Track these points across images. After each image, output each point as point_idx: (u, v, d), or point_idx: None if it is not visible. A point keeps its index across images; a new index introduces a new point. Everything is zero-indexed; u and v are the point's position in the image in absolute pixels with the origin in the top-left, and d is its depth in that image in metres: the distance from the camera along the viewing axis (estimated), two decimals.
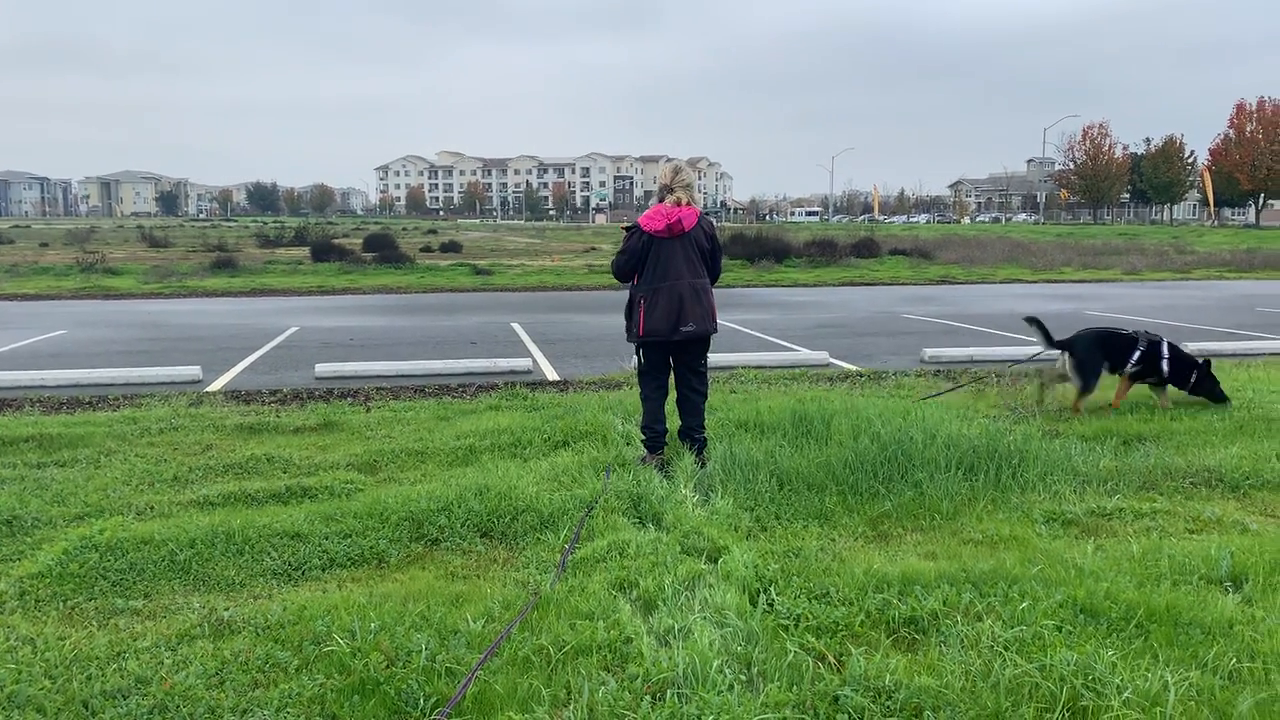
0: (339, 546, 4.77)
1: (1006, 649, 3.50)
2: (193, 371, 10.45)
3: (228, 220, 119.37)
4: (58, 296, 22.04)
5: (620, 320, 6.74)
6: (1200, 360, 8.09)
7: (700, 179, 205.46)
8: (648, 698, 3.21)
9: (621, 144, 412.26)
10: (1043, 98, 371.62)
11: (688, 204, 6.32)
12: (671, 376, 6.58)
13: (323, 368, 10.67)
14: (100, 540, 4.76)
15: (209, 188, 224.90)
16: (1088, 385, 7.98)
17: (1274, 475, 5.92)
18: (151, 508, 5.51)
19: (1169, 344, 8.06)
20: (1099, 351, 8.08)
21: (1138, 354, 7.97)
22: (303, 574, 4.53)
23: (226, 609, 4.05)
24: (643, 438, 6.54)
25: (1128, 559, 4.46)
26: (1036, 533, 4.96)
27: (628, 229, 6.43)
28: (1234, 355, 11.62)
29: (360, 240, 39.19)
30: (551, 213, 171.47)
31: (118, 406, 8.67)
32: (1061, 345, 8.21)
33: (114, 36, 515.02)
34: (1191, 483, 5.86)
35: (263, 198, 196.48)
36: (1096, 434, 6.99)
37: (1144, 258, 32.59)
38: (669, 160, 7.19)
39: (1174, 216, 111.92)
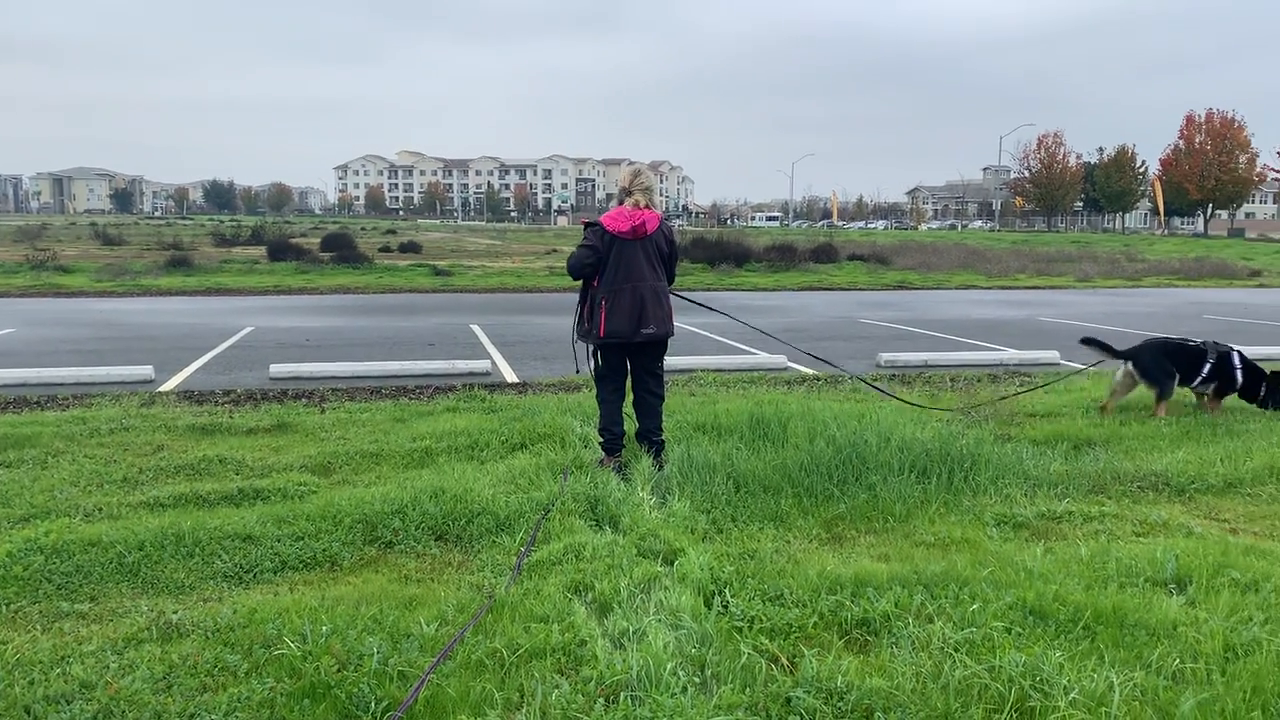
0: (291, 549, 4.72)
1: (957, 650, 3.54)
2: (145, 371, 10.29)
3: (183, 218, 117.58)
4: (7, 294, 21.60)
5: None
6: (1271, 372, 7.99)
7: (662, 183, 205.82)
8: (601, 700, 3.21)
9: (584, 146, 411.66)
10: (999, 107, 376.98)
11: (646, 207, 6.35)
12: (629, 380, 6.59)
13: (278, 368, 10.55)
14: (46, 542, 4.67)
15: (165, 185, 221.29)
16: (1164, 390, 7.94)
17: (1218, 479, 6.05)
18: (100, 509, 5.41)
19: (1239, 354, 7.98)
20: (1166, 360, 8.01)
21: (1208, 366, 7.89)
22: (254, 577, 4.48)
23: (175, 612, 3.99)
24: (600, 440, 6.54)
25: (1076, 561, 4.53)
26: (987, 535, 5.02)
27: (588, 224, 6.43)
28: None
29: (318, 240, 38.82)
30: (513, 214, 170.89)
31: (67, 406, 8.51)
32: (1126, 355, 8.14)
33: (68, 31, 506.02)
34: (1139, 487, 5.97)
35: (219, 196, 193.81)
36: (1047, 438, 7.10)
37: (1096, 265, 33.13)
38: (630, 164, 7.22)
39: (1126, 225, 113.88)
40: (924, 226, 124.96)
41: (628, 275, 6.21)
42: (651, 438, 6.49)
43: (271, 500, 5.58)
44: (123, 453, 6.76)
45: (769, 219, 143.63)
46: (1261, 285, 28.13)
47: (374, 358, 11.67)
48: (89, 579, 4.38)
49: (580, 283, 6.47)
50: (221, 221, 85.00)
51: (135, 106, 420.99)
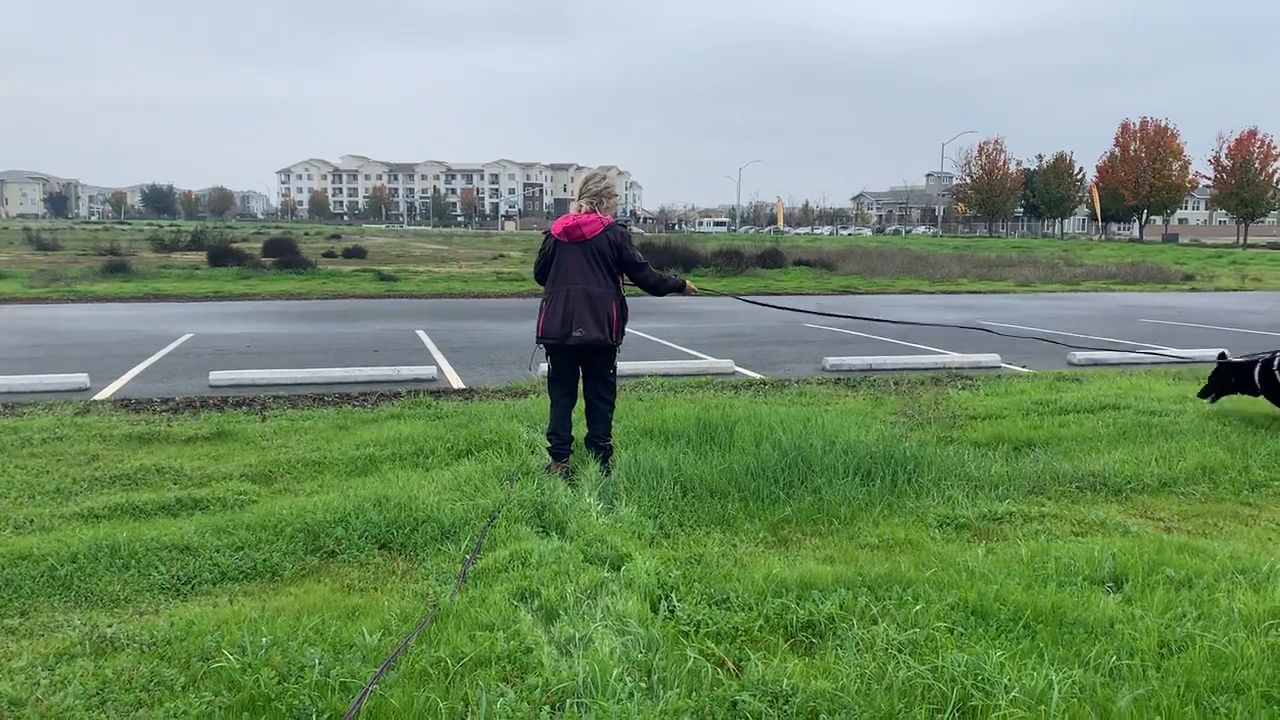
0: (231, 559, 4.63)
1: (900, 651, 3.58)
2: (79, 379, 10.04)
3: (121, 223, 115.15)
4: None
5: (528, 327, 6.76)
6: None
7: None
8: (547, 708, 3.20)
9: (531, 151, 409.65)
10: (942, 113, 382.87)
11: (588, 212, 6.35)
12: (579, 386, 6.58)
13: (218, 375, 10.36)
14: None
15: (101, 189, 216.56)
16: None
17: (1153, 479, 6.19)
18: (31, 521, 5.27)
19: None
20: None
21: None
22: (192, 588, 4.39)
23: (110, 626, 3.89)
24: (548, 445, 6.52)
25: (1017, 561, 4.60)
26: (930, 536, 5.08)
27: (546, 234, 6.54)
28: (1118, 364, 12.11)
29: (260, 245, 38.32)
30: (460, 219, 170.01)
31: None
32: None
33: None
34: (1078, 487, 6.08)
35: (158, 200, 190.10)
36: (989, 440, 7.20)
37: (1036, 270, 33.75)
38: (580, 168, 7.30)
39: (1064, 230, 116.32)
40: (866, 231, 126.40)
41: (563, 278, 6.25)
42: (598, 443, 6.47)
43: (210, 510, 5.48)
44: (55, 463, 6.59)
45: (717, 224, 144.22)
46: (1194, 289, 28.86)
47: (317, 364, 11.51)
48: (19, 593, 4.26)
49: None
50: (161, 226, 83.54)
51: (70, 109, 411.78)
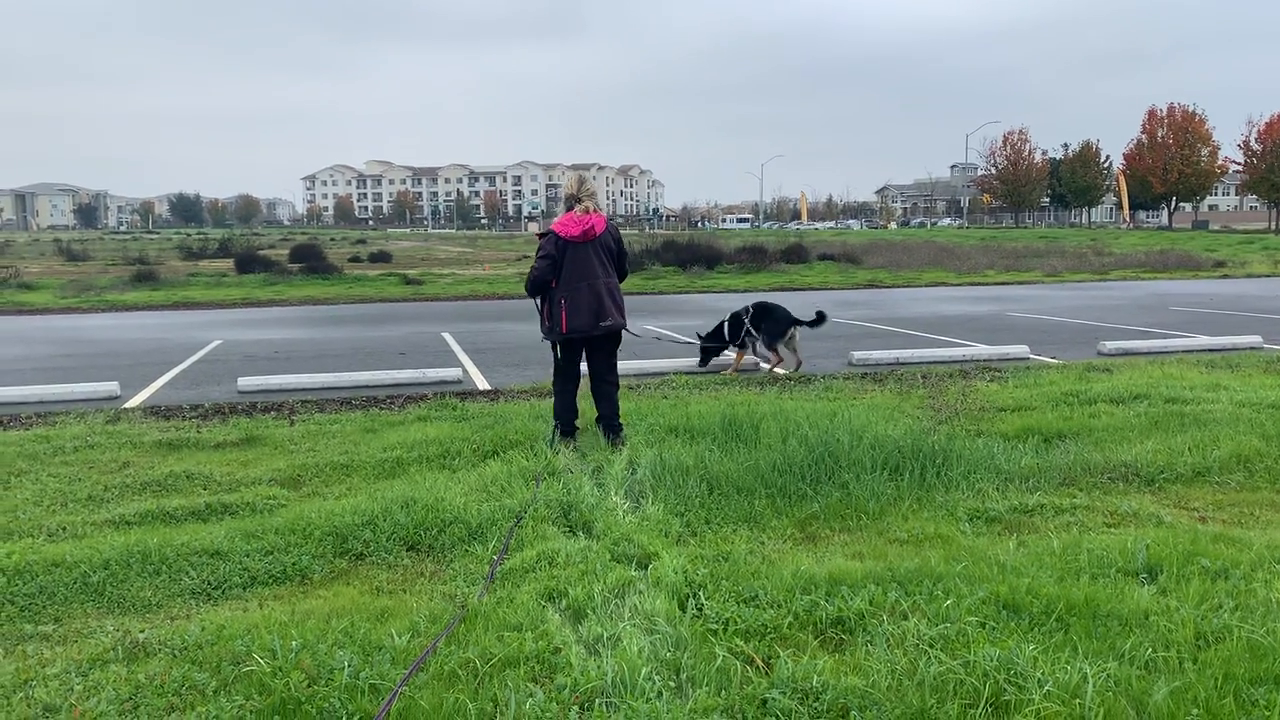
0: (260, 564, 4.66)
1: (931, 646, 3.54)
2: (110, 388, 10.15)
3: (149, 232, 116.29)
4: None
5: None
6: None
7: (632, 186, 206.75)
8: (576, 708, 3.19)
9: (553, 152, 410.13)
10: (965, 104, 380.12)
11: (594, 211, 6.92)
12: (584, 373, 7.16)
13: (246, 381, 10.44)
14: (8, 564, 4.59)
15: (130, 199, 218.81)
16: None
17: (1186, 469, 6.10)
18: (64, 529, 5.33)
19: None
20: None
21: None
22: (222, 593, 4.42)
23: (141, 631, 3.92)
24: (558, 425, 7.07)
25: (1049, 554, 4.55)
26: (960, 530, 5.03)
27: (542, 235, 6.99)
28: (1149, 353, 11.96)
29: (286, 251, 38.64)
30: (484, 221, 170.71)
31: (30, 425, 8.38)
32: None
33: (23, 44, 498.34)
34: (1109, 478, 6.01)
35: (186, 209, 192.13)
36: (1018, 432, 7.13)
37: (1064, 260, 33.43)
38: (575, 172, 7.77)
39: (1092, 219, 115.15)
40: (893, 225, 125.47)
41: (582, 275, 6.81)
42: (610, 422, 6.98)
43: (240, 515, 5.52)
44: (87, 471, 6.66)
45: (740, 221, 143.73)
46: (1226, 276, 28.48)
47: (344, 369, 11.57)
48: (53, 600, 4.31)
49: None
50: (188, 235, 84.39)
51: (98, 120, 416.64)
